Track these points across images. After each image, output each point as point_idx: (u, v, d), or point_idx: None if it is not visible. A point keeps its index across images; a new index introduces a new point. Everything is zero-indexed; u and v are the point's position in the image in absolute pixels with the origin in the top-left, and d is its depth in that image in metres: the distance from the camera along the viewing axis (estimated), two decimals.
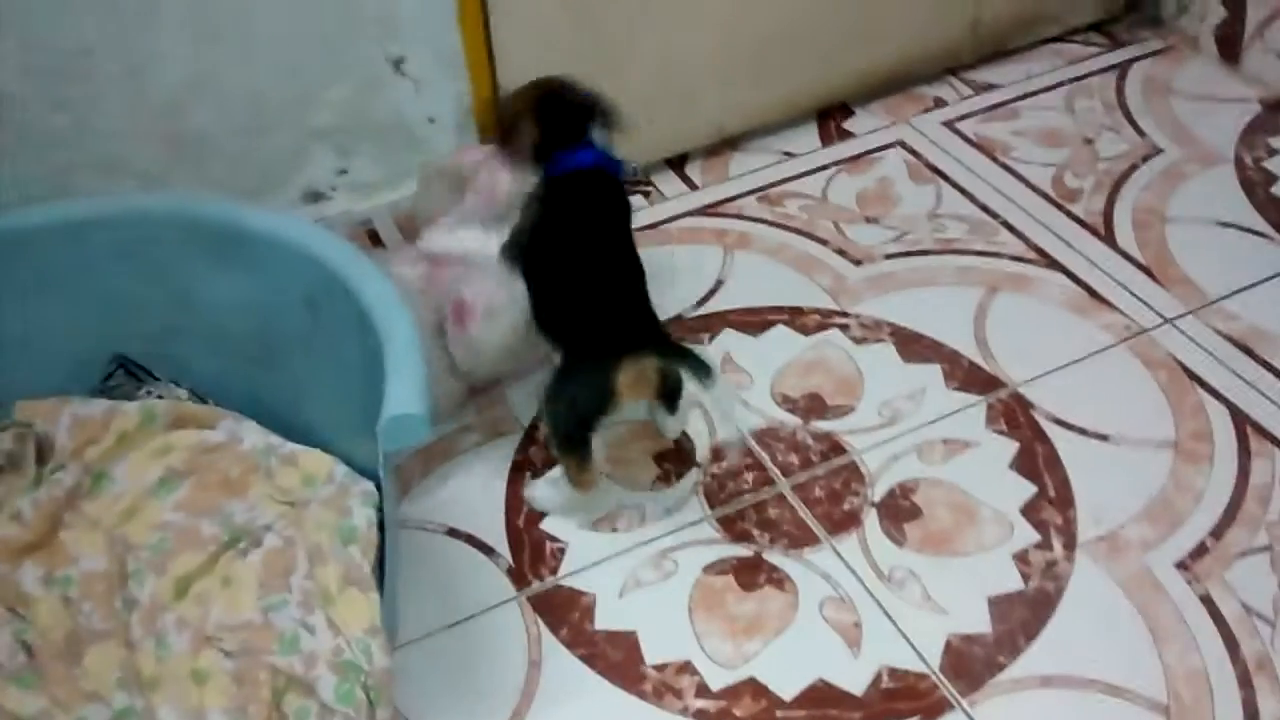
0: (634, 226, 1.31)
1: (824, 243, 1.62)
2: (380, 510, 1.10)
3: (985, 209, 1.67)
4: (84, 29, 1.26)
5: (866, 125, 1.84)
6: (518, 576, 1.23)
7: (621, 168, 1.31)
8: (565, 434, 1.21)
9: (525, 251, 1.25)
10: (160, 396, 1.23)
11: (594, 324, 1.19)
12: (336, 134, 1.45)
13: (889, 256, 1.60)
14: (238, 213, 1.16)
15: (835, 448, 1.35)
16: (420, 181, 1.45)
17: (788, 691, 1.12)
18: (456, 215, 1.36)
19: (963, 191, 1.70)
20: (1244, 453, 1.32)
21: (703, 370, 1.15)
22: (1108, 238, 1.61)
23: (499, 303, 1.27)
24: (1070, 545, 1.23)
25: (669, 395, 1.28)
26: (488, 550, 1.26)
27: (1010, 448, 1.33)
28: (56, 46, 1.26)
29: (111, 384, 1.24)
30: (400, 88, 1.45)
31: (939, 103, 1.88)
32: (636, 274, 1.24)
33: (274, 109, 1.40)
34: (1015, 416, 1.37)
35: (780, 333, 1.49)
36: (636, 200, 1.71)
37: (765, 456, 1.34)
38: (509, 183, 1.33)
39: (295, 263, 1.12)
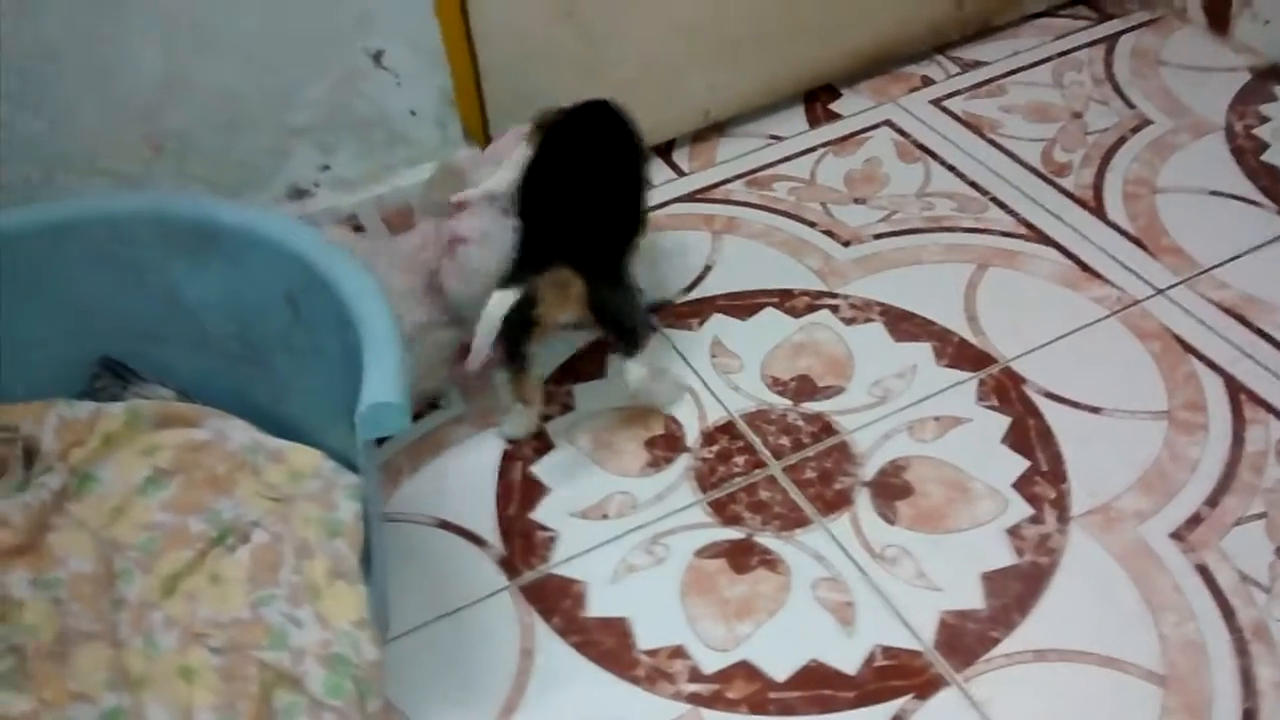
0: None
1: (812, 225, 1.62)
2: (365, 501, 1.09)
3: (974, 186, 1.66)
4: (52, 30, 1.26)
5: (853, 106, 1.84)
6: (509, 566, 1.23)
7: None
8: (502, 338, 1.22)
9: (528, 167, 1.32)
10: (147, 397, 1.23)
11: (541, 232, 1.25)
12: (317, 129, 1.45)
13: (878, 236, 1.59)
14: (213, 209, 1.15)
15: (826, 428, 1.34)
16: (434, 175, 1.45)
17: (781, 673, 1.11)
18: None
19: (951, 169, 1.69)
20: (1238, 421, 1.31)
21: (620, 306, 1.25)
22: (1098, 210, 1.60)
23: (491, 231, 1.31)
24: (1064, 519, 1.22)
25: (609, 322, 1.27)
26: (479, 541, 1.26)
27: (1002, 423, 1.32)
28: (27, 49, 1.26)
29: (98, 386, 1.24)
30: (380, 81, 1.44)
31: (926, 81, 1.87)
32: (613, 195, 1.31)
33: (252, 106, 1.40)
34: (1007, 392, 1.36)
35: (769, 315, 1.49)
36: None
37: (756, 439, 1.34)
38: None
39: (273, 258, 1.12)
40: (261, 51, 1.36)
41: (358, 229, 1.51)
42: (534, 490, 1.31)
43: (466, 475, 1.33)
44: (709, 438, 1.34)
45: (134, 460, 1.17)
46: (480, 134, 1.59)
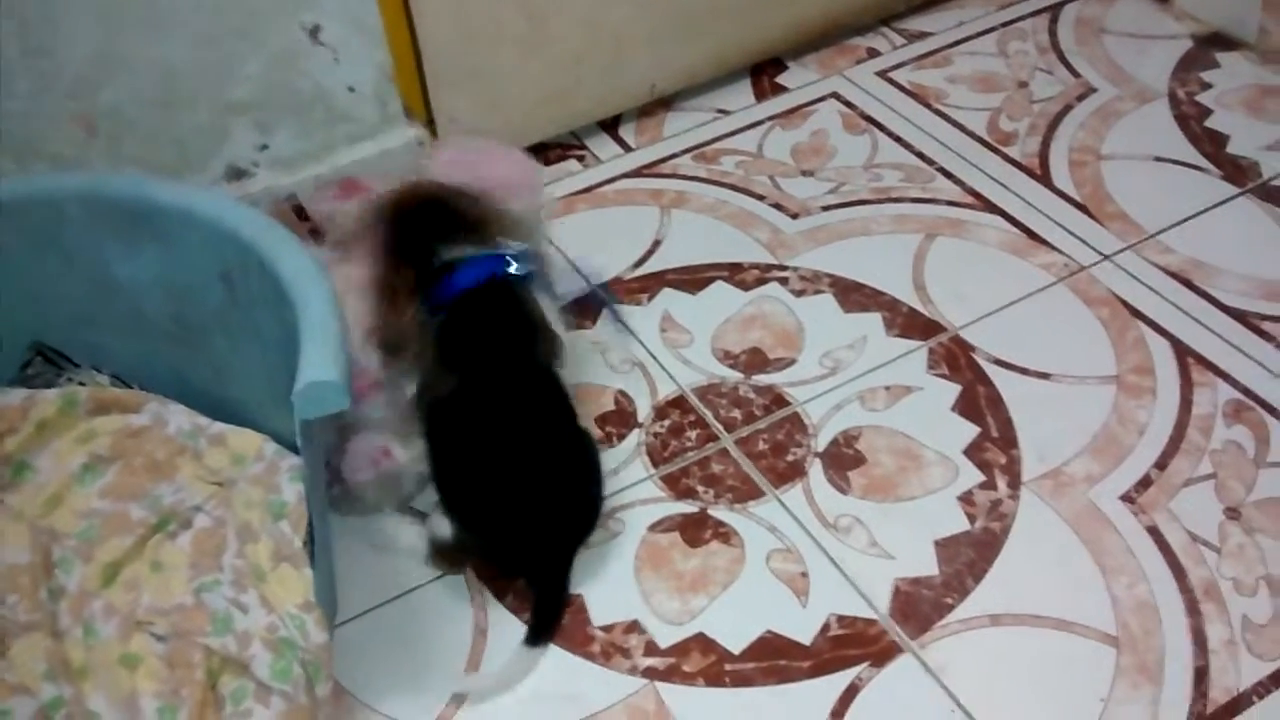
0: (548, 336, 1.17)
1: (760, 198, 1.61)
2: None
3: (921, 156, 1.66)
4: None
5: (800, 79, 1.83)
6: None
7: (527, 269, 1.13)
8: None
9: (429, 408, 1.14)
10: (81, 383, 1.20)
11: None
12: (255, 107, 1.41)
13: (826, 208, 1.58)
14: (146, 187, 1.12)
15: (777, 400, 1.33)
16: None
17: (736, 645, 1.11)
18: None
19: (898, 140, 1.69)
20: (1186, 384, 1.31)
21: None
22: (1044, 178, 1.60)
23: None
24: (1015, 484, 1.22)
25: None
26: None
27: (952, 391, 1.32)
28: None
29: (30, 372, 1.20)
30: (318, 57, 1.41)
31: (872, 53, 1.87)
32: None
33: (188, 84, 1.36)
34: (956, 360, 1.36)
35: (719, 289, 1.48)
36: (569, 165, 1.69)
37: (708, 412, 1.32)
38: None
39: (207, 237, 1.09)
40: (196, 25, 1.32)
41: (298, 209, 1.48)
42: None
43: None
44: (660, 412, 1.33)
45: (70, 447, 1.15)
46: (421, 110, 1.56)
